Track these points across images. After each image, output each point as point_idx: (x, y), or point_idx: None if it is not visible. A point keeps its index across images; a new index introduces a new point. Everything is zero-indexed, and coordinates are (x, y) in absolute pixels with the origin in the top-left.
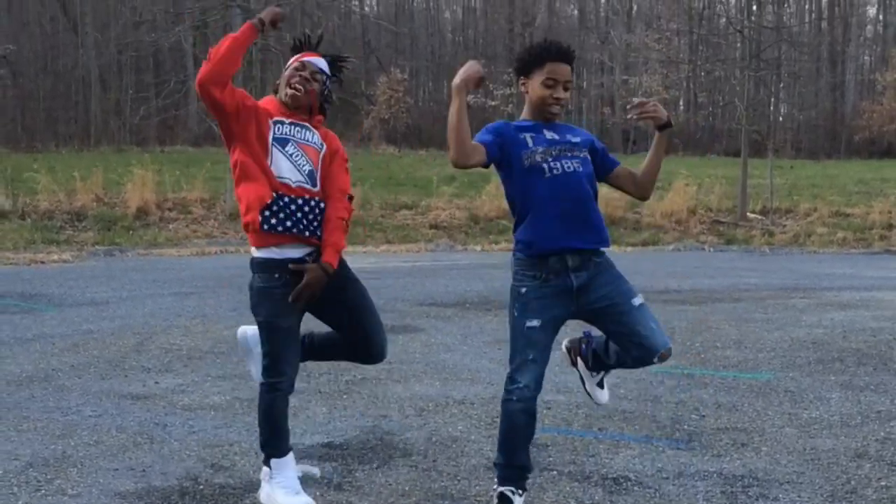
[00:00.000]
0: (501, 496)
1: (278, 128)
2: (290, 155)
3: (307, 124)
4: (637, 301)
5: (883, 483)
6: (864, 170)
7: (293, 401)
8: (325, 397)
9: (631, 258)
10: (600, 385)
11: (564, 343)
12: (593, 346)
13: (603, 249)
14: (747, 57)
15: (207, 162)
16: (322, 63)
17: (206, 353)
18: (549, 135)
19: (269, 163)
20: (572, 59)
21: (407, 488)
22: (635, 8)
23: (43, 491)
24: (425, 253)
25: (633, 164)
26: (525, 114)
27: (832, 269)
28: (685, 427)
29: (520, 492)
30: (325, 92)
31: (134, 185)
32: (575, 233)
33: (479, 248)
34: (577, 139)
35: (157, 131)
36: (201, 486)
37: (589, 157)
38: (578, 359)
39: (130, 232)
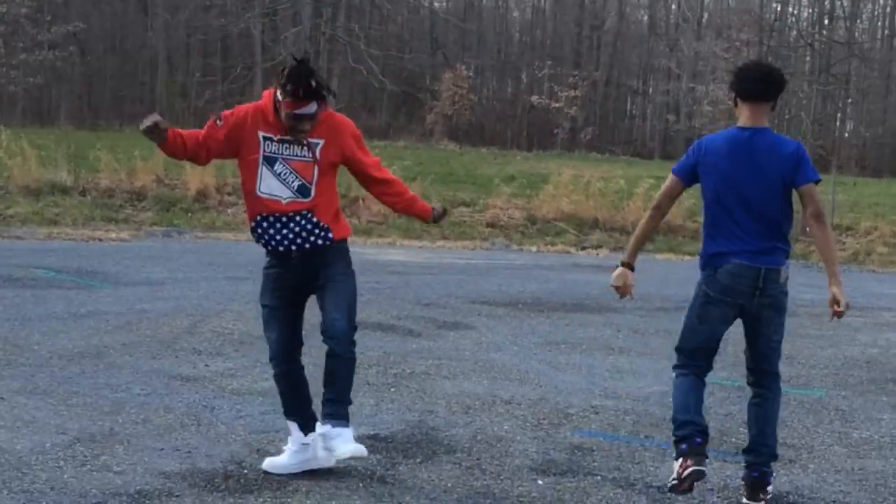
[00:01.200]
0: None
1: (267, 145)
2: (279, 174)
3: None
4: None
5: None
6: None
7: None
8: (373, 389)
9: (689, 266)
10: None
11: None
12: None
13: None
14: (816, 71)
15: None
16: (312, 110)
17: (258, 339)
18: None
19: (257, 184)
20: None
21: (450, 485)
22: (706, 16)
23: (88, 466)
24: (481, 251)
25: None
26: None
27: (891, 290)
28: (732, 440)
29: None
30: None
31: (193, 168)
32: None
33: (534, 248)
34: None
35: None
36: (245, 471)
37: None
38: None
39: (189, 214)
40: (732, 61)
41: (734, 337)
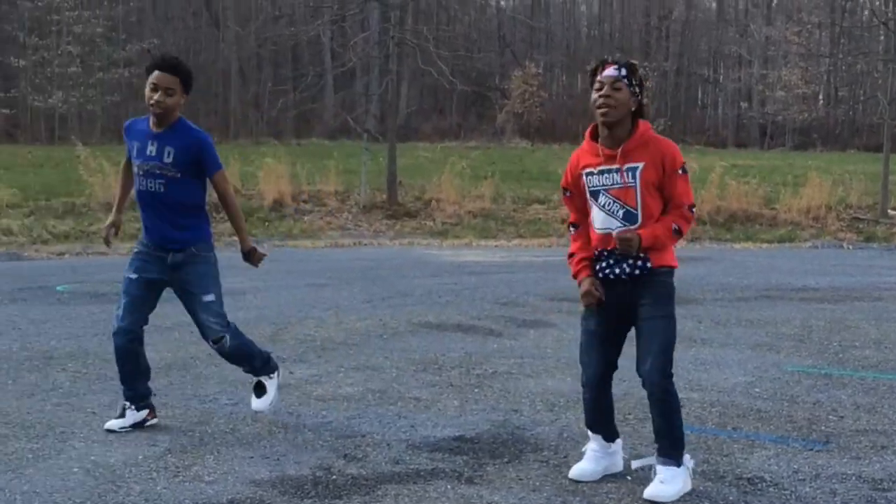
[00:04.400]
0: None
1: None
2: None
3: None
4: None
5: None
6: None
7: (424, 393)
8: (456, 391)
9: (767, 255)
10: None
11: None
12: None
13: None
14: (892, 50)
15: (341, 154)
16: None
17: (340, 345)
18: None
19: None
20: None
21: (538, 483)
22: (775, 0)
23: (181, 477)
24: (557, 248)
25: (770, 160)
26: None
27: None
28: (822, 428)
29: None
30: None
31: (269, 177)
32: None
33: None
34: None
35: (293, 124)
36: (334, 476)
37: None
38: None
39: (266, 223)
40: (804, 45)
41: (818, 324)
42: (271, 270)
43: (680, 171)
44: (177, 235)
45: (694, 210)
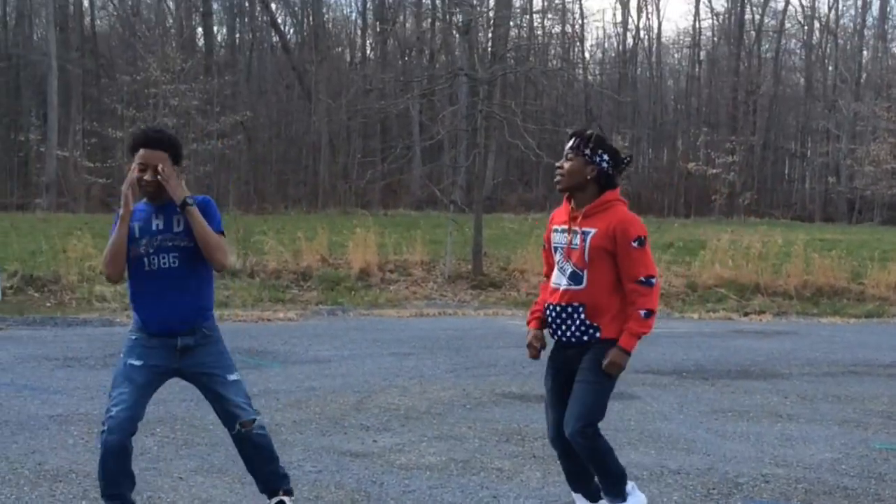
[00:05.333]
0: None
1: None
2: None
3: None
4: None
5: None
6: None
7: (507, 464)
8: (539, 462)
9: (854, 330)
10: None
11: None
12: None
13: None
14: None
15: (427, 225)
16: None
17: (423, 414)
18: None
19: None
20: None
21: None
22: (864, 76)
23: None
24: None
25: (858, 235)
26: None
27: None
28: None
29: None
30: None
31: (356, 247)
32: None
33: (696, 315)
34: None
35: (381, 195)
36: None
37: None
38: None
39: (353, 292)
40: (894, 119)
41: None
42: (356, 339)
43: (635, 244)
44: (190, 316)
45: (652, 280)
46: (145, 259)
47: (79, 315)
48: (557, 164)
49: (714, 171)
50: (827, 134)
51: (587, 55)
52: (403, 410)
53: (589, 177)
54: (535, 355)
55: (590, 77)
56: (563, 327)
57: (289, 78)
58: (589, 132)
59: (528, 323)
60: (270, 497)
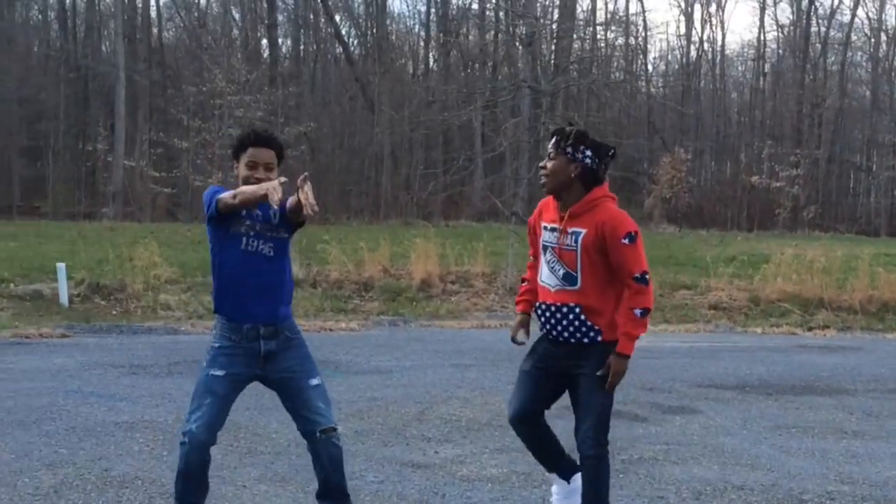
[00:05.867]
0: None
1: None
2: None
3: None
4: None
5: None
6: None
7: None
8: None
9: None
10: None
11: None
12: None
13: None
14: None
15: (489, 237)
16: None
17: (485, 426)
18: None
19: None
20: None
21: None
22: None
23: None
24: (704, 334)
25: None
26: None
27: None
28: None
29: None
30: None
31: (418, 258)
32: None
33: (759, 330)
34: None
35: (442, 206)
36: None
37: None
38: None
39: (414, 303)
40: None
41: None
42: (418, 350)
43: (625, 241)
44: (282, 311)
45: (647, 276)
46: (244, 238)
47: (144, 323)
48: (541, 164)
49: (778, 184)
50: (893, 147)
51: (650, 67)
52: (465, 422)
53: (573, 174)
54: (515, 337)
55: (653, 89)
56: (559, 327)
57: (352, 89)
58: (570, 128)
59: (517, 304)
60: None
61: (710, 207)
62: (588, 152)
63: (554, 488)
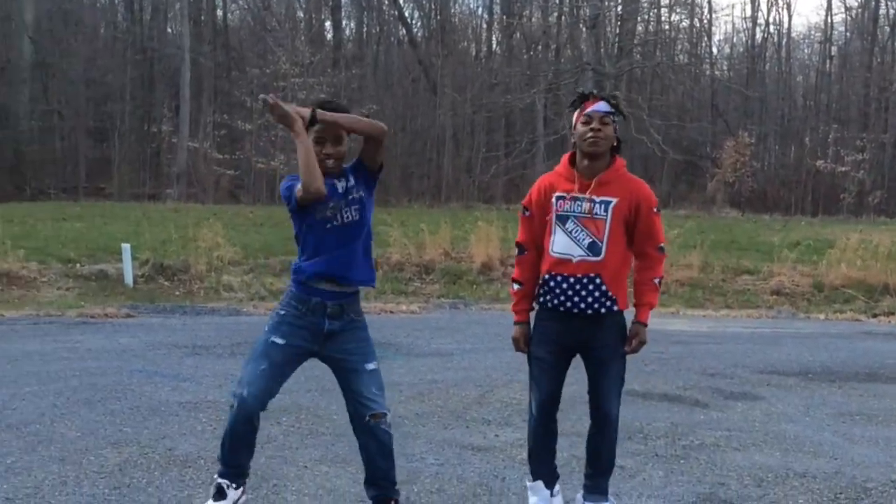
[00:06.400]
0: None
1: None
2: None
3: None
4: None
5: None
6: None
7: (629, 462)
8: (661, 461)
9: None
10: None
11: None
12: None
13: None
14: None
15: None
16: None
17: None
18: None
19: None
20: None
21: None
22: None
23: None
24: (766, 319)
25: None
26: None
27: None
28: None
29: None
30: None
31: (479, 241)
32: None
33: (822, 316)
34: None
35: (503, 189)
36: None
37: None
38: None
39: (474, 286)
40: None
41: None
42: (478, 333)
43: (655, 210)
44: (365, 274)
45: (664, 249)
46: (330, 218)
47: (207, 304)
48: (595, 127)
49: (843, 168)
50: None
51: (715, 50)
52: (525, 406)
53: (614, 143)
54: (524, 350)
55: (717, 72)
56: (577, 299)
57: (415, 72)
58: (616, 94)
59: (517, 314)
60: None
61: (774, 192)
62: (616, 121)
63: (533, 499)
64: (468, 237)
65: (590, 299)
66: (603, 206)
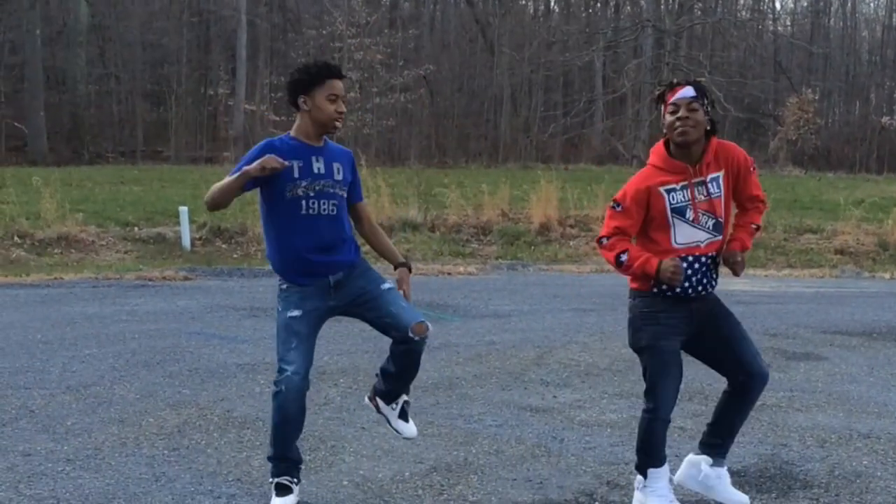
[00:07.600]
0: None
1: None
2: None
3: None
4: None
5: None
6: None
7: (689, 423)
8: None
9: None
10: (403, 418)
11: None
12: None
13: None
14: None
15: (610, 180)
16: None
17: (604, 370)
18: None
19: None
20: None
21: None
22: None
23: (445, 495)
24: (829, 279)
25: None
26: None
27: None
28: None
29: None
30: None
31: (538, 201)
32: None
33: (887, 275)
34: None
35: (561, 149)
36: (597, 503)
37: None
38: (378, 400)
39: (532, 247)
40: None
41: None
42: (536, 294)
43: (752, 168)
44: (347, 258)
45: (765, 201)
46: (303, 202)
47: (264, 267)
48: (682, 115)
49: None
50: None
51: (778, 5)
52: (584, 367)
53: (707, 127)
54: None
55: (780, 28)
56: (706, 279)
57: (472, 31)
58: (701, 80)
59: (648, 262)
60: (394, 399)
61: (838, 149)
62: (710, 104)
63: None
64: (526, 198)
65: (713, 275)
66: (714, 185)
